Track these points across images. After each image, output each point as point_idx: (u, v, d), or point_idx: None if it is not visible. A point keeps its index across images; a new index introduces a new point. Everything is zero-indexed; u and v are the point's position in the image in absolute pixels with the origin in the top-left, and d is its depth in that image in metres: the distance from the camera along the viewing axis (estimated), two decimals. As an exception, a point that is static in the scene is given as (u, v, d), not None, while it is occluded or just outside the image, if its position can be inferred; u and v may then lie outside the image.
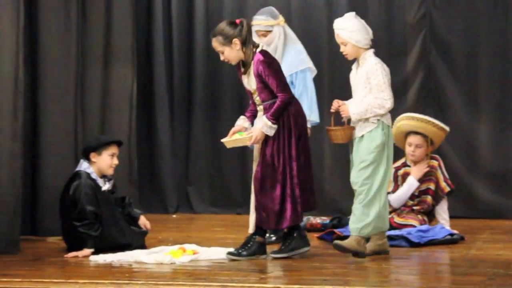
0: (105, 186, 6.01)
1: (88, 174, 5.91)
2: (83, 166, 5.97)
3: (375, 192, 5.56)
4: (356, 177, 5.59)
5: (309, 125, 6.15)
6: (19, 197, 5.96)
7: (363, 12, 8.21)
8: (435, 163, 6.85)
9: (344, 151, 8.23)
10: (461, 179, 7.89)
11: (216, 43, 5.64)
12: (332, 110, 5.73)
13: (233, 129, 5.73)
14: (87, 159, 5.98)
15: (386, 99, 5.57)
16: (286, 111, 5.63)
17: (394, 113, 7.50)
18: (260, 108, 5.72)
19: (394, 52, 8.19)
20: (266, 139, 5.61)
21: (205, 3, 8.51)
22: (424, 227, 6.52)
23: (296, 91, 6.36)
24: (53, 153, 6.69)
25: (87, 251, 5.76)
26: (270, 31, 6.43)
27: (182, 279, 5.03)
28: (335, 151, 8.26)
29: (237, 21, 5.66)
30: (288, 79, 6.37)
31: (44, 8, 6.69)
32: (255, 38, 6.52)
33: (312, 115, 6.40)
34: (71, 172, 6.24)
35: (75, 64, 6.82)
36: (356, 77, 5.67)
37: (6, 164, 5.88)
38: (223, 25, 5.64)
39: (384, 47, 8.20)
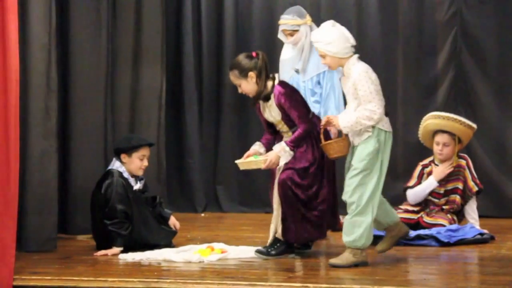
0: (137, 186, 6.04)
1: (120, 173, 5.94)
2: (116, 165, 5.99)
3: (366, 201, 5.29)
4: (347, 185, 5.35)
5: None
6: (53, 195, 5.99)
7: (393, 10, 8.19)
8: (463, 162, 6.80)
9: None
10: (492, 178, 7.82)
11: (233, 77, 5.65)
12: (321, 126, 5.53)
13: (247, 153, 5.77)
14: (118, 158, 6.01)
15: (374, 110, 5.23)
16: (316, 131, 5.63)
17: (424, 111, 7.50)
18: (288, 134, 5.71)
19: (424, 50, 8.15)
20: (297, 155, 5.61)
21: (235, 2, 8.50)
22: (454, 226, 6.48)
23: (323, 91, 6.34)
24: (83, 151, 6.73)
25: (116, 249, 5.79)
26: (296, 31, 6.41)
27: (211, 278, 5.04)
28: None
29: (253, 53, 5.68)
30: (315, 79, 6.35)
31: (75, 8, 6.73)
32: (282, 38, 6.52)
33: None
34: (101, 170, 6.29)
35: (105, 64, 6.87)
36: (345, 86, 5.45)
37: (38, 163, 5.93)
38: (239, 58, 5.66)
39: (414, 45, 8.17)
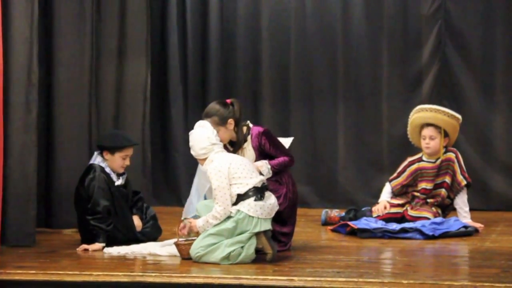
0: (119, 181, 6.00)
1: (102, 168, 5.89)
2: (98, 159, 5.94)
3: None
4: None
5: None
6: (33, 190, 5.95)
7: (378, 4, 8.19)
8: (452, 155, 6.81)
9: (358, 145, 8.25)
10: (476, 171, 7.85)
11: (211, 124, 5.57)
12: (180, 230, 5.48)
13: None
14: (101, 154, 5.97)
15: (217, 210, 5.29)
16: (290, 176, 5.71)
17: (409, 104, 7.53)
18: None
19: (409, 43, 8.17)
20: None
21: (220, -4, 8.50)
22: (438, 219, 6.51)
23: None
24: (67, 146, 6.70)
25: (98, 245, 5.74)
26: None
27: (196, 272, 5.04)
28: (348, 144, 8.24)
29: (228, 101, 5.68)
30: None
31: (59, 1, 6.70)
32: None
33: None
34: (85, 165, 6.24)
35: (90, 57, 6.83)
36: None
37: (18, 157, 5.87)
38: (216, 106, 5.60)
39: (399, 39, 8.18)
